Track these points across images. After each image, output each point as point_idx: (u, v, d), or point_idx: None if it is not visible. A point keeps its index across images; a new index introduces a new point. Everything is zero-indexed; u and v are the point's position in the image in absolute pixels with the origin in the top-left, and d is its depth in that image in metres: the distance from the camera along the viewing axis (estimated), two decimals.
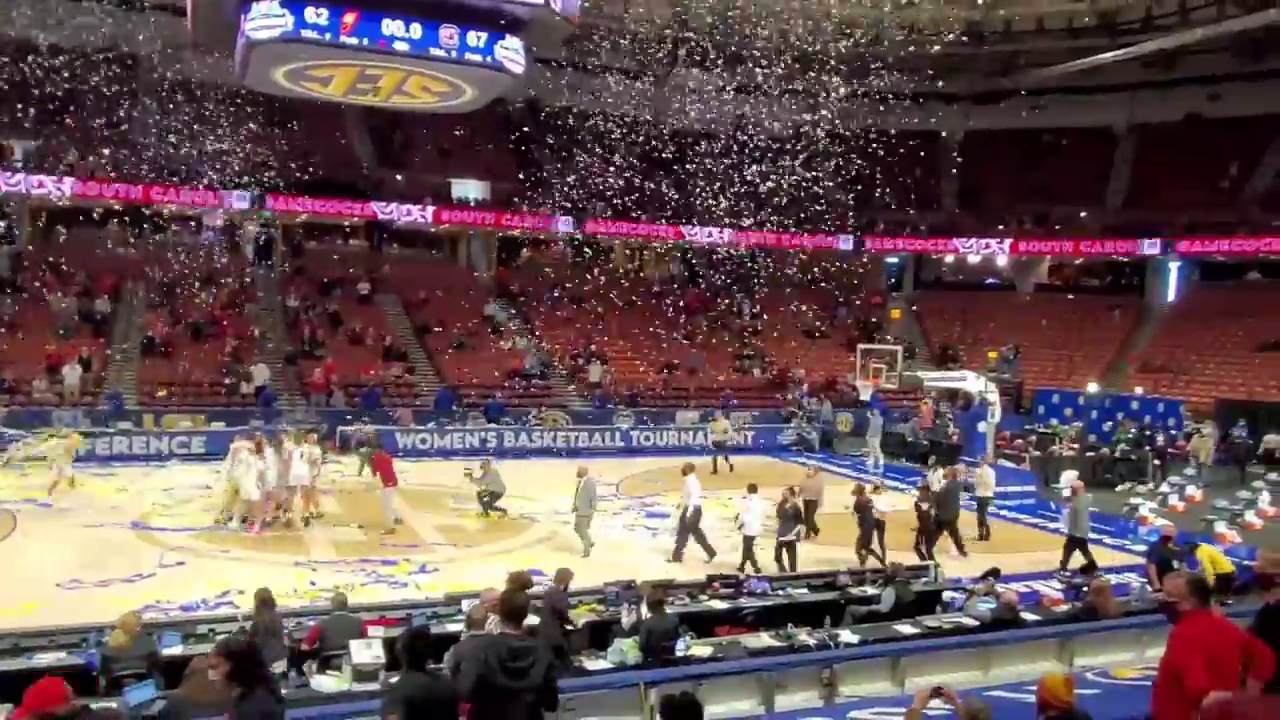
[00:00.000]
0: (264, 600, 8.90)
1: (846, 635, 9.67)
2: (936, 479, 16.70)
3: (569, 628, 9.47)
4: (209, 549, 15.07)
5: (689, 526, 15.00)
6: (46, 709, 5.04)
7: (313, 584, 13.06)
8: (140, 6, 27.32)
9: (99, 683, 8.09)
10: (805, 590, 11.54)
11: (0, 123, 28.54)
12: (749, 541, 14.42)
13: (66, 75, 26.62)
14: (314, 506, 17.33)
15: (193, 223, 32.91)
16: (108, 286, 30.05)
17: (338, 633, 8.61)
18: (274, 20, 15.57)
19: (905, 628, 10.04)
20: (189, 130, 30.25)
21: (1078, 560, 14.54)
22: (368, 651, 7.92)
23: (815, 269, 38.22)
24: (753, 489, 14.83)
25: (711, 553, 14.92)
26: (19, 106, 27.20)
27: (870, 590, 11.49)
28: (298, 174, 31.91)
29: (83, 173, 29.71)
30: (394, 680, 5.89)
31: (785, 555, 14.34)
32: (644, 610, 9.23)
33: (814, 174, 34.75)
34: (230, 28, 16.23)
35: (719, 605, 10.84)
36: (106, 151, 28.55)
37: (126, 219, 31.27)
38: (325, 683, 7.82)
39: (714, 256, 38.46)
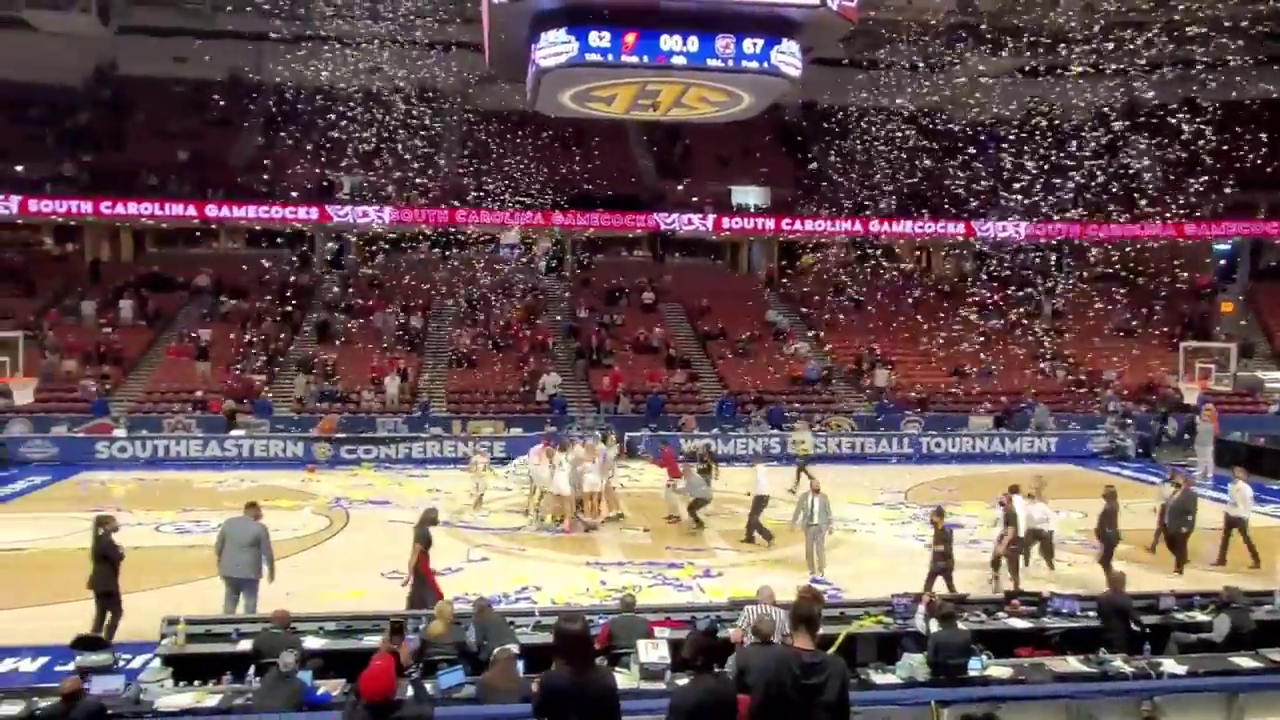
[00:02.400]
0: (481, 607, 9.54)
1: (1171, 665, 8.79)
2: (1168, 489, 15.48)
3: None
4: (510, 547, 16.15)
5: (754, 510, 16.16)
6: (376, 700, 5.62)
7: (603, 584, 13.69)
8: (444, 46, 30.04)
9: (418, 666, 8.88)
10: None
11: (330, 161, 32.33)
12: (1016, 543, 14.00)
13: (382, 114, 29.75)
14: (612, 508, 18.24)
15: (492, 242, 35.61)
16: (421, 304, 33.18)
17: (626, 632, 8.91)
18: (561, 47, 16.56)
19: (1243, 660, 8.97)
20: (487, 156, 32.90)
21: None
22: (654, 651, 8.12)
23: (1128, 260, 35.12)
24: (1014, 489, 14.22)
25: (769, 536, 16.06)
26: (343, 146, 30.74)
27: (1200, 616, 10.35)
28: (585, 190, 33.72)
29: (398, 201, 33.13)
30: (682, 682, 6.05)
31: (943, 583, 12.76)
32: (933, 624, 8.86)
33: (1125, 155, 32.02)
34: (522, 58, 17.45)
35: (1019, 624, 10.17)
36: (419, 180, 31.60)
37: (436, 241, 34.52)
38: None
39: (1009, 251, 36.31)
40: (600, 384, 29.21)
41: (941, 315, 33.65)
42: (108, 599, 10.89)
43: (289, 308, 32.26)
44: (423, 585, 11.57)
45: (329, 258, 36.12)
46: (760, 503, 16.36)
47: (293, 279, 33.54)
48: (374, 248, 33.43)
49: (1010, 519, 13.60)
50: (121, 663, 9.21)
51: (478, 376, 29.71)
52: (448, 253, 34.29)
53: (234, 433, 25.20)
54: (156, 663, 9.11)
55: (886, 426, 28.00)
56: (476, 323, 32.39)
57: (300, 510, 18.93)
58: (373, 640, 9.31)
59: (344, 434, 25.48)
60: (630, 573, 14.45)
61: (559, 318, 34.24)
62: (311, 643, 9.23)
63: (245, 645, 9.09)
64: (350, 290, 33.53)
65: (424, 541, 11.70)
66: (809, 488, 14.46)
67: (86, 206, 31.90)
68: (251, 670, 8.46)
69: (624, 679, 8.11)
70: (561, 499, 17.36)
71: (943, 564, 12.79)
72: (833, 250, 37.89)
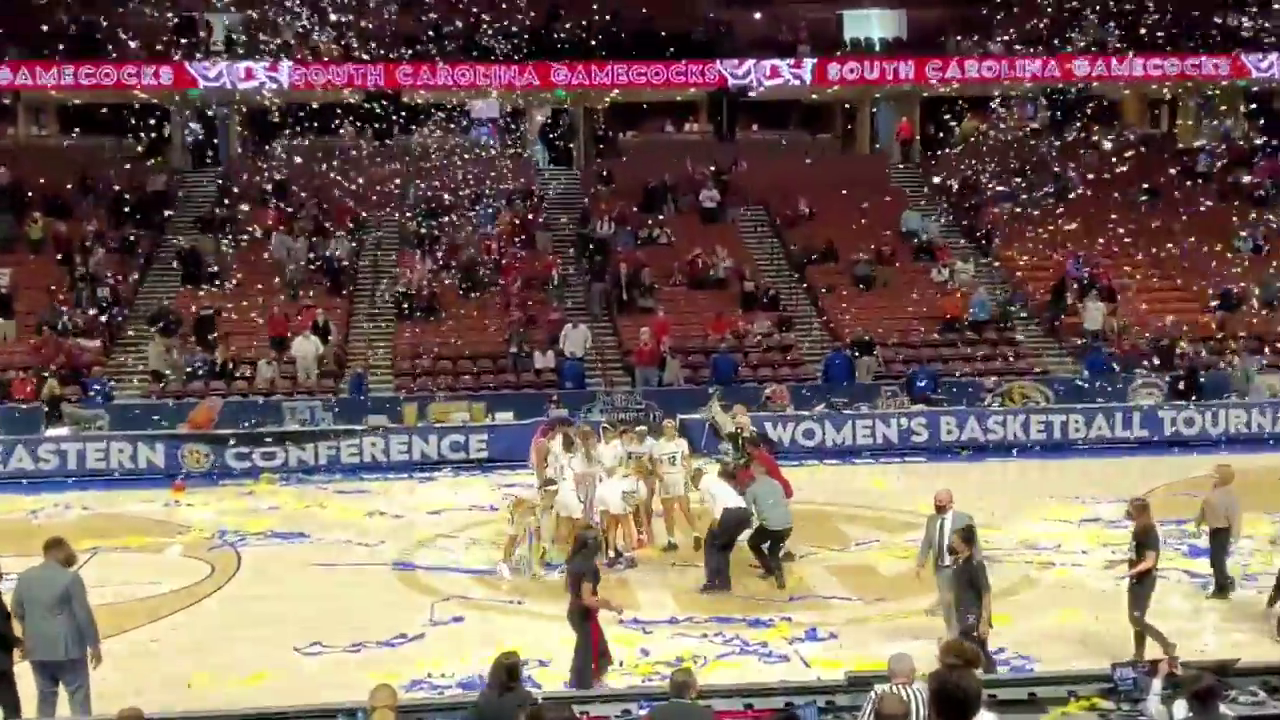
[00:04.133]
0: (509, 667, 9.53)
1: None
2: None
3: None
4: (496, 599, 16.28)
5: (715, 542, 16.46)
6: None
7: (644, 653, 13.76)
8: None
9: None
10: None
11: None
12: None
13: None
14: (644, 537, 18.53)
15: (457, 115, 35.41)
16: (345, 219, 33.35)
17: None
18: None
19: None
20: None
21: None
22: None
23: None
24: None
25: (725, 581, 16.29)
26: None
27: None
28: (606, 26, 33.50)
29: (301, 54, 33.16)
30: None
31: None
32: (1179, 709, 8.89)
33: None
34: None
35: None
36: (333, 18, 31.57)
37: (365, 118, 34.50)
38: None
39: None
40: (635, 338, 29.25)
41: (1195, 211, 33.40)
42: None
43: (135, 229, 32.55)
44: (587, 639, 12.11)
45: (194, 147, 36.41)
46: (730, 528, 16.46)
47: (140, 183, 33.84)
48: (267, 130, 33.47)
49: (1147, 541, 13.53)
50: None
51: (442, 331, 29.95)
52: (385, 136, 34.36)
53: (53, 432, 25.51)
54: None
55: (1104, 395, 27.86)
56: (436, 246, 32.53)
57: (163, 551, 19.16)
58: None
59: (230, 429, 25.72)
60: (688, 634, 14.51)
61: (569, 233, 34.44)
62: None
63: None
64: (231, 198, 33.76)
65: (594, 577, 12.42)
66: (936, 503, 14.15)
67: None
68: None
69: None
70: (573, 521, 17.38)
71: None
72: (1016, 111, 37.54)
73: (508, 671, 9.42)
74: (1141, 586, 13.55)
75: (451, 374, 28.77)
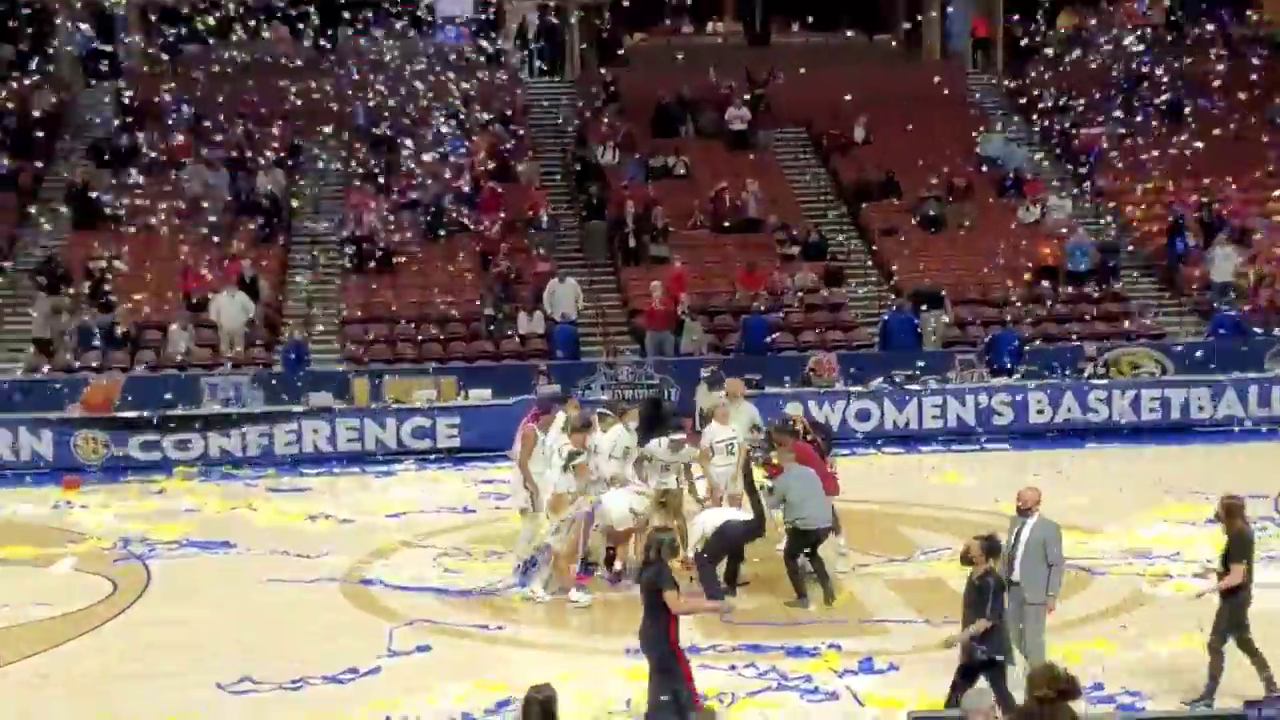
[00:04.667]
0: (544, 702, 9.27)
1: None
2: None
3: None
4: (471, 623, 16.13)
5: (700, 562, 16.82)
6: None
7: None
8: None
9: None
10: None
11: None
12: None
13: None
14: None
15: (417, 12, 35.07)
16: (277, 146, 33.01)
17: None
18: None
19: None
20: None
21: None
22: None
23: None
24: None
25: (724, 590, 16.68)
26: None
27: None
28: None
29: None
30: None
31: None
32: None
33: None
34: None
35: None
36: None
37: (300, 18, 34.14)
38: None
39: None
40: (645, 295, 29.19)
41: None
42: None
43: (13, 161, 32.44)
44: (675, 664, 11.72)
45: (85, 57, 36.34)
46: (704, 549, 16.71)
47: (19, 104, 33.71)
48: (175, 30, 33.31)
49: (1235, 550, 13.31)
50: None
51: (401, 287, 30.06)
52: (325, 37, 34.05)
53: None
54: None
55: (1234, 363, 27.60)
56: (393, 180, 32.52)
57: (53, 564, 19.05)
58: None
59: (133, 412, 25.66)
60: (713, 666, 14.32)
61: (561, 162, 34.61)
62: None
63: None
64: (134, 121, 33.77)
65: (674, 584, 11.96)
66: (1019, 504, 13.77)
67: None
68: None
69: None
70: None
71: None
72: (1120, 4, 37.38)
73: (542, 707, 9.23)
74: (1230, 604, 13.32)
75: (413, 341, 28.76)
